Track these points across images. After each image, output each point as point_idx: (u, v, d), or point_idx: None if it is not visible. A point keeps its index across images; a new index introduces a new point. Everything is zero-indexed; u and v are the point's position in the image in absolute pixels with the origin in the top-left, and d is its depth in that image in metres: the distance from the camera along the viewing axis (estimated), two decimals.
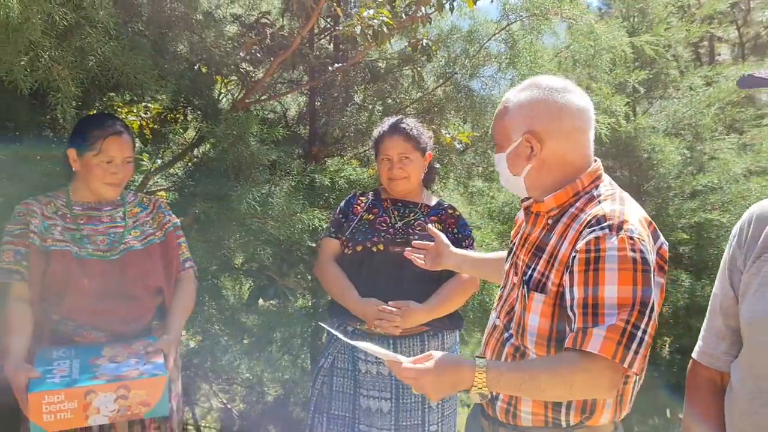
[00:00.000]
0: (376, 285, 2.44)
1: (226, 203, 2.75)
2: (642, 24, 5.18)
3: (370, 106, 3.80)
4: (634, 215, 1.52)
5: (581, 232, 1.50)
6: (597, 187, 1.61)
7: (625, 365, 1.40)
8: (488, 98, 3.86)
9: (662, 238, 1.58)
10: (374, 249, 2.48)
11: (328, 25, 4.04)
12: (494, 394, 1.61)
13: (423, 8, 3.35)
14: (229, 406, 6.52)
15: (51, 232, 2.13)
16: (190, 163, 3.55)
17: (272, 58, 3.44)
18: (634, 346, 1.41)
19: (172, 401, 2.22)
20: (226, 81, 3.73)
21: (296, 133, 4.10)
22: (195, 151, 3.56)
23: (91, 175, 2.16)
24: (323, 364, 2.57)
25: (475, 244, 2.65)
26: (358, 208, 2.61)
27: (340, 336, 1.84)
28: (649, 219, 1.58)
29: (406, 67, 3.92)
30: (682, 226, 4.87)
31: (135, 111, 3.73)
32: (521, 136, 1.60)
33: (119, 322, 2.15)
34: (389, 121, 2.62)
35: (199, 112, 3.56)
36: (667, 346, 5.44)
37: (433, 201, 2.67)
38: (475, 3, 3.33)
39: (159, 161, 3.71)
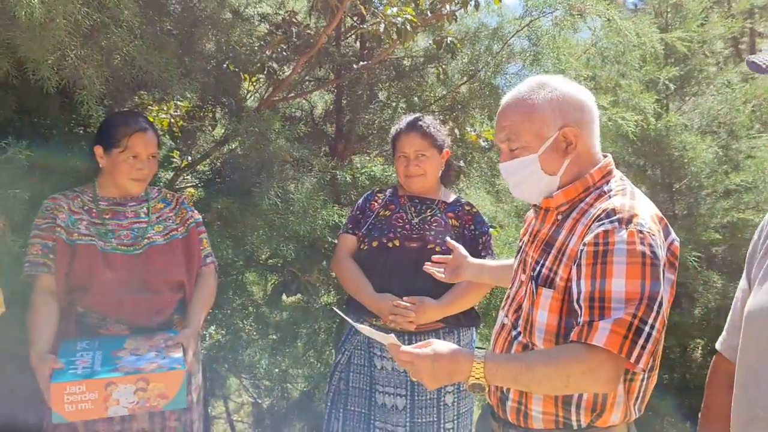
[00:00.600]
0: (391, 281, 2.46)
1: (249, 199, 2.80)
2: (675, 20, 5.08)
3: (394, 104, 3.81)
4: (645, 210, 1.50)
5: (590, 226, 1.49)
6: (608, 182, 1.60)
7: (632, 360, 1.39)
8: None
9: (673, 234, 1.56)
10: (390, 245, 2.50)
11: (354, 24, 4.06)
12: (505, 392, 1.61)
13: (447, 6, 3.36)
14: (259, 401, 6.61)
15: (77, 226, 2.20)
16: (217, 161, 3.61)
17: (298, 57, 3.48)
18: (641, 341, 1.39)
19: (192, 393, 2.27)
20: (253, 79, 3.78)
21: (322, 131, 4.14)
22: (223, 149, 3.61)
23: (117, 171, 2.22)
24: (340, 360, 2.60)
25: (493, 241, 2.65)
26: (375, 204, 2.63)
27: (347, 319, 1.85)
28: (660, 215, 1.56)
29: (431, 65, 3.92)
30: (714, 226, 4.76)
31: (165, 109, 3.81)
32: (557, 131, 1.56)
33: (141, 315, 2.21)
34: (407, 118, 2.63)
35: (226, 110, 3.62)
36: (699, 348, 5.33)
37: (451, 198, 2.67)
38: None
39: (188, 159, 3.78)
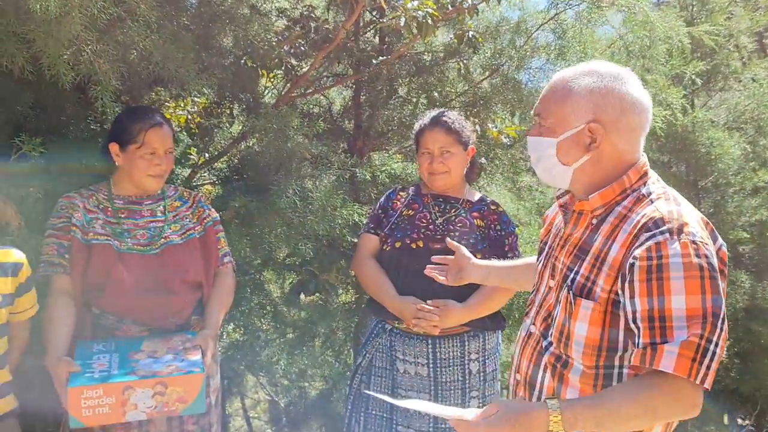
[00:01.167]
0: (414, 283, 2.37)
1: (267, 197, 2.74)
2: (701, 13, 4.97)
3: (415, 99, 3.73)
4: (692, 216, 1.41)
5: (636, 236, 1.40)
6: (645, 184, 1.50)
7: (700, 382, 1.31)
8: (536, 91, 3.74)
9: (720, 239, 1.47)
10: (413, 246, 2.42)
11: (373, 18, 3.99)
12: None
13: None
14: (276, 399, 6.57)
15: (92, 225, 2.15)
16: (235, 158, 3.56)
17: (317, 52, 3.41)
18: (706, 361, 1.31)
19: (210, 396, 2.22)
20: (271, 75, 3.73)
21: (341, 127, 4.07)
22: (240, 146, 3.56)
23: (135, 167, 2.17)
24: (361, 363, 2.53)
25: (519, 241, 2.57)
26: (398, 203, 2.56)
27: (388, 399, 1.77)
28: (706, 219, 1.48)
29: (452, 60, 3.84)
30: (742, 225, 4.66)
31: (182, 105, 3.77)
32: (584, 124, 1.48)
33: (158, 316, 2.16)
34: (430, 114, 2.55)
35: (244, 107, 3.57)
36: (725, 349, 5.23)
37: (476, 196, 2.59)
38: None
39: (206, 156, 3.74)
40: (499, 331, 2.55)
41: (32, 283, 2.06)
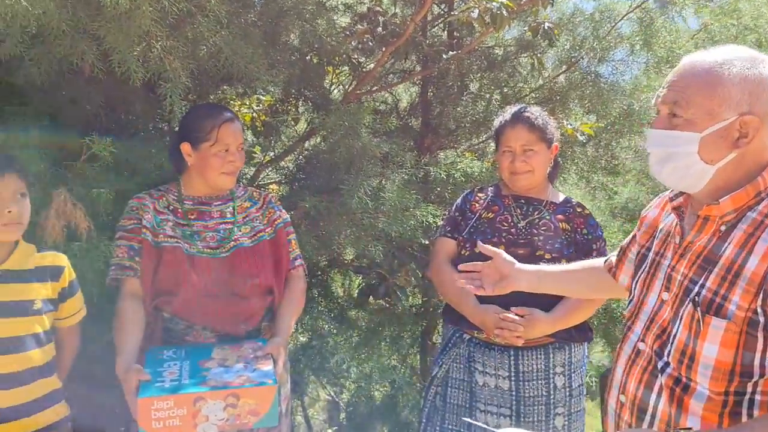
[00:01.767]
0: None
1: (337, 197, 2.64)
2: None
3: (488, 95, 3.58)
4: None
5: None
6: None
7: None
8: (617, 85, 3.54)
9: None
10: None
11: (442, 11, 3.86)
12: None
13: None
14: (336, 399, 6.52)
15: (162, 227, 2.08)
16: (300, 156, 3.49)
17: (384, 48, 3.30)
18: None
19: (281, 404, 2.12)
20: (337, 72, 3.64)
21: (407, 125, 3.96)
22: (307, 144, 3.49)
23: (208, 166, 2.09)
24: (437, 374, 2.39)
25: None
26: (477, 205, 2.41)
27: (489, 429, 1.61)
28: None
29: (525, 54, 3.67)
30: None
31: (247, 103, 3.72)
32: (736, 116, 1.29)
33: (228, 322, 2.07)
34: (511, 109, 2.40)
35: (309, 104, 3.49)
36: None
37: (560, 197, 2.42)
38: None
39: (271, 154, 3.68)
40: (586, 343, 2.37)
41: (76, 287, 2.02)
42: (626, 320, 1.54)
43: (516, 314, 2.17)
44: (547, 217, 2.32)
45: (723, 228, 1.33)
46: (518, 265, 1.81)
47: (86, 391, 2.15)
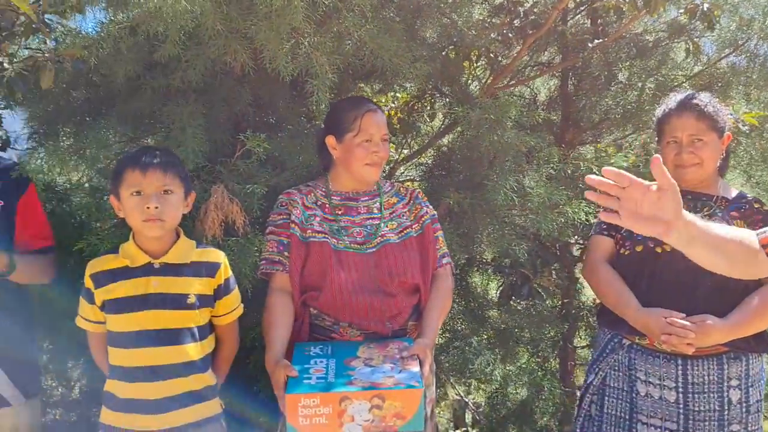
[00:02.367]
0: (660, 293, 2.04)
1: (481, 193, 2.54)
2: None
3: (640, 84, 3.33)
4: None
5: None
6: None
7: None
8: None
9: None
10: (658, 250, 2.08)
11: None
12: None
13: None
14: (466, 399, 6.41)
15: (311, 222, 2.08)
16: (439, 152, 3.43)
17: (524, 39, 3.17)
18: None
19: (426, 407, 2.06)
20: (474, 66, 3.54)
21: (547, 119, 3.78)
22: (444, 139, 3.42)
23: (353, 157, 2.07)
24: (592, 381, 2.23)
25: None
26: None
27: None
28: None
29: (679, 39, 3.39)
30: None
31: (384, 101, 3.71)
32: None
33: (375, 320, 2.04)
34: (676, 96, 2.20)
35: (447, 99, 3.41)
36: None
37: (732, 192, 2.19)
38: None
39: (405, 151, 3.65)
40: (765, 354, 2.13)
41: (233, 285, 2.03)
42: None
43: (687, 320, 1.97)
44: (719, 214, 2.10)
45: None
46: (685, 213, 1.36)
47: (239, 385, 2.19)
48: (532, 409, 4.14)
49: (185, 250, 1.94)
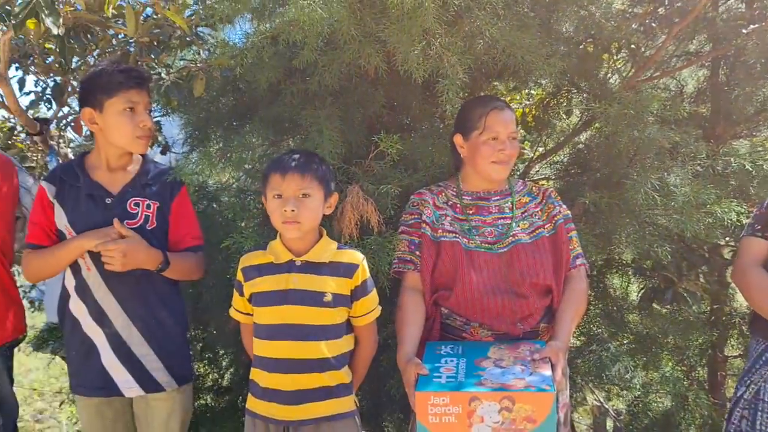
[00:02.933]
0: None
1: (619, 192, 2.43)
2: None
3: None
4: None
5: None
6: None
7: None
8: None
9: None
10: None
11: None
12: None
13: None
14: (606, 406, 6.15)
15: (441, 222, 2.10)
16: (573, 150, 3.32)
17: (669, 27, 2.99)
18: None
19: (559, 412, 2.01)
20: (614, 59, 3.39)
21: (694, 112, 3.54)
22: (581, 136, 3.31)
23: (479, 155, 2.07)
24: (743, 394, 2.07)
25: None
26: None
27: None
28: None
29: None
30: None
31: (518, 98, 3.65)
32: None
33: (506, 321, 2.02)
34: None
35: (584, 95, 3.29)
36: None
37: None
38: None
39: (540, 149, 3.57)
40: None
41: (370, 287, 2.03)
42: None
43: None
44: None
45: None
46: None
47: (372, 381, 2.24)
48: (678, 420, 3.91)
49: (326, 250, 2.00)
